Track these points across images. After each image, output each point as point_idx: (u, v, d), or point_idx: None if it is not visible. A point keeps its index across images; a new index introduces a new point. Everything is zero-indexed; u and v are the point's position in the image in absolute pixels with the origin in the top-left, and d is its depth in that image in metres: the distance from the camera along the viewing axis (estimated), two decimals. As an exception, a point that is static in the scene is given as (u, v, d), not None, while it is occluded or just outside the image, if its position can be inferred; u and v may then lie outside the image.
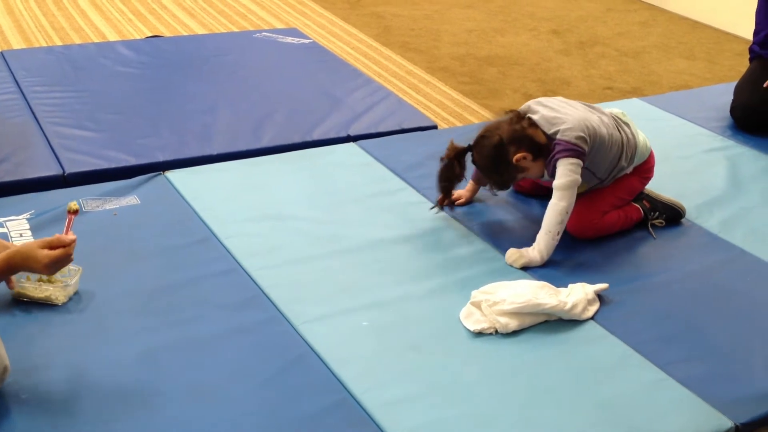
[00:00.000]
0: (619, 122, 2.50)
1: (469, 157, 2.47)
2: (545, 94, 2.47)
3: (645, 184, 2.60)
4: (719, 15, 5.36)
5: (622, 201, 2.54)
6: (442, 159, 2.47)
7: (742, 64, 3.82)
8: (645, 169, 2.57)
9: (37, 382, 1.79)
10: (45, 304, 2.02)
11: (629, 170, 2.53)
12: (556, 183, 2.35)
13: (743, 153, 3.10)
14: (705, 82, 4.39)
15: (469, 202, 2.63)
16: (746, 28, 3.80)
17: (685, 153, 3.08)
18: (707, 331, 2.13)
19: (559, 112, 2.39)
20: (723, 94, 3.49)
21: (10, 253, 1.68)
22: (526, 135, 2.36)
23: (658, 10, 5.60)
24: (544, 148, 2.36)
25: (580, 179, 2.36)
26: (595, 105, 2.56)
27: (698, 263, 2.42)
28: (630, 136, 2.50)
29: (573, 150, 2.34)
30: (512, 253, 2.34)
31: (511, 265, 2.33)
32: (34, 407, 1.73)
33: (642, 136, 2.56)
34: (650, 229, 2.55)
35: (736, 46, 4.94)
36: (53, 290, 2.03)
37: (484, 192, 2.65)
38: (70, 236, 1.75)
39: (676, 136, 3.22)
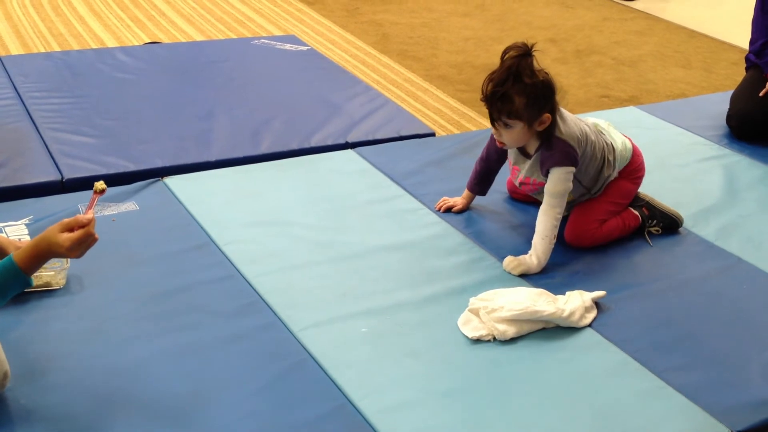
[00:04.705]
0: (598, 130, 2.50)
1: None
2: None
3: (638, 184, 2.59)
4: (715, 24, 5.39)
5: (618, 206, 2.54)
6: (507, 56, 2.27)
7: (739, 73, 3.83)
8: (632, 170, 2.56)
9: (35, 388, 1.80)
10: (45, 309, 2.02)
11: (615, 175, 2.53)
12: (549, 189, 2.36)
13: (739, 161, 3.12)
14: (701, 90, 4.41)
15: (466, 209, 2.63)
16: (742, 37, 3.82)
17: (682, 161, 3.09)
18: (704, 338, 2.14)
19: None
20: (719, 103, 3.50)
21: (35, 242, 1.65)
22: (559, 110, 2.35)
23: (654, 19, 5.62)
24: (543, 134, 2.34)
25: (571, 186, 2.37)
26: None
27: (695, 271, 2.43)
28: (608, 142, 2.49)
29: (568, 156, 2.34)
30: (510, 261, 2.35)
31: (509, 273, 2.33)
32: (32, 412, 1.74)
33: (620, 139, 2.55)
34: (647, 236, 2.56)
35: (732, 55, 4.96)
36: (51, 275, 2.03)
37: (480, 200, 2.66)
38: (88, 216, 1.67)
39: (673, 145, 3.23)
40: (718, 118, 3.43)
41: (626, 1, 5.94)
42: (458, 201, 2.63)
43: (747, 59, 3.50)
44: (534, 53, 2.27)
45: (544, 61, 2.33)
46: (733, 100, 3.40)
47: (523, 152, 2.45)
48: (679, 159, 3.11)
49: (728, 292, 2.34)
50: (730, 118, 3.36)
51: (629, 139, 2.60)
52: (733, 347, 2.11)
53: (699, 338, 2.14)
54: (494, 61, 2.34)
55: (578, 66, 4.63)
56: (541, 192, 2.40)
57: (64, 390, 1.80)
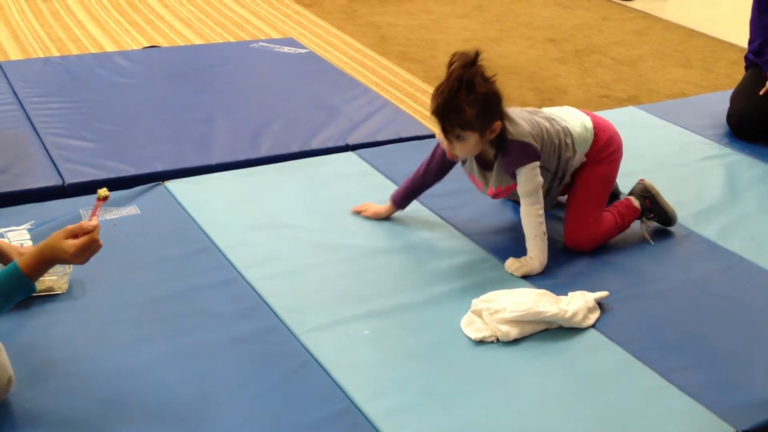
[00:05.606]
0: (547, 116, 2.46)
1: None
2: (542, 103, 2.47)
3: (613, 162, 2.51)
4: (715, 24, 5.39)
5: (603, 196, 2.50)
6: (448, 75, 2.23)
7: (738, 72, 3.84)
8: (600, 149, 2.48)
9: (39, 392, 1.79)
10: (48, 314, 2.02)
11: (580, 157, 2.47)
12: (522, 191, 2.34)
13: (740, 161, 3.12)
14: (701, 90, 4.41)
15: (377, 218, 2.57)
16: (742, 36, 3.81)
17: (682, 161, 3.09)
18: (707, 338, 2.14)
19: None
20: (719, 102, 3.50)
21: (39, 248, 1.67)
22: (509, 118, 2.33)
23: (653, 19, 5.62)
24: (496, 140, 2.32)
25: (542, 179, 2.35)
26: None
27: (697, 271, 2.43)
28: (563, 126, 2.43)
29: (527, 153, 2.32)
30: (512, 263, 2.35)
31: (512, 274, 2.33)
32: (36, 417, 1.74)
33: (579, 121, 2.47)
34: (646, 235, 2.55)
35: (731, 54, 4.97)
36: (54, 280, 2.04)
37: (480, 202, 2.65)
38: (93, 222, 1.70)
39: (673, 144, 3.23)
40: (718, 117, 3.43)
41: (625, 0, 5.95)
42: (375, 208, 2.58)
43: (746, 58, 3.50)
44: (480, 62, 2.23)
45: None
46: (733, 99, 3.41)
47: (483, 165, 2.43)
48: (679, 158, 3.11)
49: (731, 291, 2.34)
50: (730, 117, 3.37)
51: (591, 115, 2.53)
52: (737, 346, 2.11)
53: (703, 338, 2.14)
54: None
55: (578, 66, 4.63)
56: (517, 194, 2.39)
57: (68, 394, 1.80)
